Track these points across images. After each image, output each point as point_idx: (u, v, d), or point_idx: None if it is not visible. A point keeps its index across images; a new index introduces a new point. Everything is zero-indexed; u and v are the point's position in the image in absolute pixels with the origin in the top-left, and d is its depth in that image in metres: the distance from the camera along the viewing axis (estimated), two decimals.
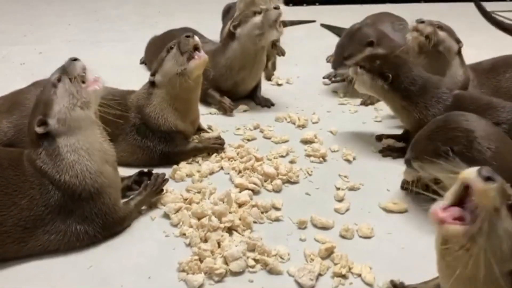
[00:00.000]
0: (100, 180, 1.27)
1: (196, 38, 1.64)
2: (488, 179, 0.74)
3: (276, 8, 1.96)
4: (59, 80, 1.29)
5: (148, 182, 1.44)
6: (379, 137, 1.84)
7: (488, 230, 0.74)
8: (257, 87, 2.25)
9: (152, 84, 1.66)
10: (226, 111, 2.08)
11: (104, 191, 1.29)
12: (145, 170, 1.50)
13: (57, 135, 1.25)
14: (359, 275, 1.19)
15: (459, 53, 1.93)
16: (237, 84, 2.15)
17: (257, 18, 1.99)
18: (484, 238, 0.74)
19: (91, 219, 1.27)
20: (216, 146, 1.73)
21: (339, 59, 2.20)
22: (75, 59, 1.32)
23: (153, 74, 1.67)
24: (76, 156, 1.25)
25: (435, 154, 1.28)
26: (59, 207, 1.24)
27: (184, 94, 1.66)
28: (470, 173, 0.76)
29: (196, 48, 1.62)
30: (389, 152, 1.76)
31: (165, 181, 1.47)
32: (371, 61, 1.71)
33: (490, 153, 1.24)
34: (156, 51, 2.44)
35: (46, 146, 1.25)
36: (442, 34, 1.86)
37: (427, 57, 1.89)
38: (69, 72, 1.28)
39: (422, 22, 1.87)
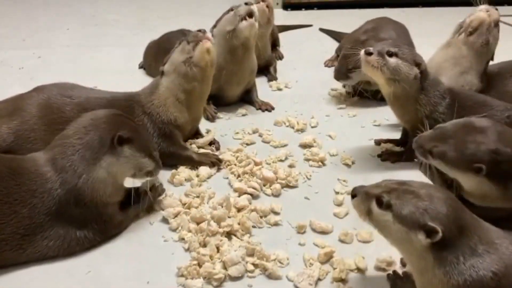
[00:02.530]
0: (109, 197, 1.30)
1: (208, 33, 1.70)
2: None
3: (248, 3, 1.97)
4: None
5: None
6: (378, 142, 1.86)
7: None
8: (251, 91, 2.23)
9: (161, 74, 1.71)
10: (209, 119, 2.06)
11: (110, 201, 1.31)
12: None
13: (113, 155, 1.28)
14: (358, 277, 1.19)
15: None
16: (222, 89, 2.12)
17: (229, 14, 2.01)
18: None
19: (91, 224, 1.27)
20: (213, 161, 1.68)
21: (342, 70, 2.16)
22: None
23: (163, 65, 1.71)
24: (105, 174, 1.27)
25: None
26: (61, 213, 1.24)
27: (188, 83, 1.67)
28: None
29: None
30: (387, 156, 1.76)
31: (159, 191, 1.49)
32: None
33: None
34: (154, 55, 2.46)
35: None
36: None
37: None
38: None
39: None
